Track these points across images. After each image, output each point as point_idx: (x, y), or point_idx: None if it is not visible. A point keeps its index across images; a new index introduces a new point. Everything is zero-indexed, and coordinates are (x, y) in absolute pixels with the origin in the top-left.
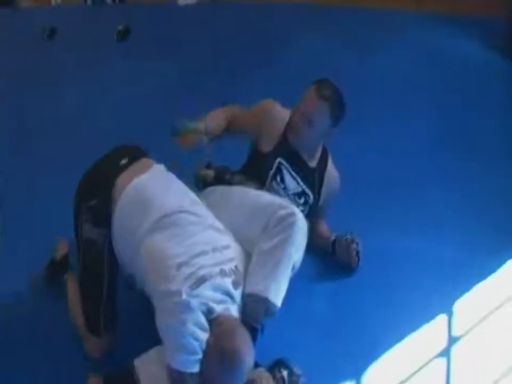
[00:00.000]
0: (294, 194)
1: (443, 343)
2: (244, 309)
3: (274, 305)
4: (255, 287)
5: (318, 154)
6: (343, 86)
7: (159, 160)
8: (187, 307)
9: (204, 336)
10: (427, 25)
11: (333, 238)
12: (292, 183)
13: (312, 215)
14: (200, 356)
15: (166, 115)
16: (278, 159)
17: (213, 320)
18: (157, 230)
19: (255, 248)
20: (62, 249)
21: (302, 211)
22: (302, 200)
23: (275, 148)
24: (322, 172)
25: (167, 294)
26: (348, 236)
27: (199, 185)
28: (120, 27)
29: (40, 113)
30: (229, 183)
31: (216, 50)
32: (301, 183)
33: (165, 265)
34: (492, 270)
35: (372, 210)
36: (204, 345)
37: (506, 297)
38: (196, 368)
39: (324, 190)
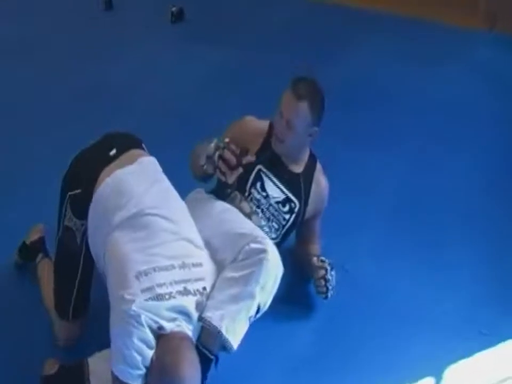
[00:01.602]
0: (278, 202)
1: None
2: (199, 334)
3: (228, 342)
4: (208, 313)
5: (304, 159)
6: (397, 100)
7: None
8: (136, 321)
9: (149, 353)
10: (496, 46)
11: (313, 258)
12: (275, 190)
13: (301, 228)
14: (142, 371)
15: (202, 108)
16: (258, 166)
17: (162, 336)
18: (126, 227)
19: (221, 273)
20: (35, 233)
21: (287, 220)
22: (286, 208)
23: (255, 155)
24: (309, 178)
25: (120, 301)
26: (324, 259)
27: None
28: (173, 9)
29: (85, 84)
30: (226, 196)
31: (269, 43)
32: (285, 190)
33: (125, 270)
34: (492, 343)
35: (379, 241)
36: (148, 362)
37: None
38: (137, 382)
39: (312, 196)
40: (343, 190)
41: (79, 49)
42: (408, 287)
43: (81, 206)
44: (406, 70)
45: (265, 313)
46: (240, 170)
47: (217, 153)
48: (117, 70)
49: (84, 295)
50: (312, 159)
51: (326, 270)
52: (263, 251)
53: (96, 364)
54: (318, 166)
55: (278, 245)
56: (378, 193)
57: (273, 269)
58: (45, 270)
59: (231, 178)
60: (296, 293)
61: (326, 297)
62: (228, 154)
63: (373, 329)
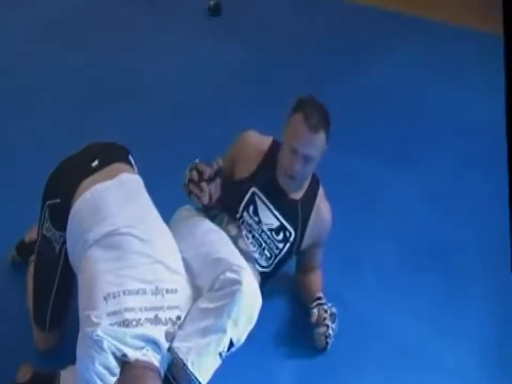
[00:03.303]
0: (271, 229)
1: None
2: (171, 364)
3: (193, 376)
4: (176, 344)
5: (306, 183)
6: (420, 113)
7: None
8: (99, 346)
9: (111, 379)
10: None
11: (313, 304)
12: (268, 216)
13: (300, 257)
14: None
15: (220, 106)
16: (252, 189)
17: (126, 363)
18: (100, 246)
19: (196, 302)
20: (35, 231)
21: (280, 249)
22: (280, 236)
23: (250, 176)
24: (309, 205)
25: (86, 321)
26: (327, 307)
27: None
28: (211, 2)
29: (117, 73)
30: (210, 218)
31: (303, 46)
32: (280, 217)
33: (94, 290)
34: None
35: (384, 273)
36: None
37: None
38: None
39: (311, 226)
40: (349, 209)
41: (113, 37)
42: (412, 327)
43: (60, 217)
44: (433, 80)
45: (254, 346)
46: (216, 193)
47: (188, 177)
48: (147, 60)
49: (61, 306)
50: (315, 183)
51: (328, 326)
52: (238, 282)
53: (66, 377)
54: (321, 191)
55: (271, 274)
56: (389, 218)
57: (247, 303)
58: (31, 273)
59: (205, 199)
60: (293, 325)
61: (325, 349)
62: (194, 175)
63: (371, 370)
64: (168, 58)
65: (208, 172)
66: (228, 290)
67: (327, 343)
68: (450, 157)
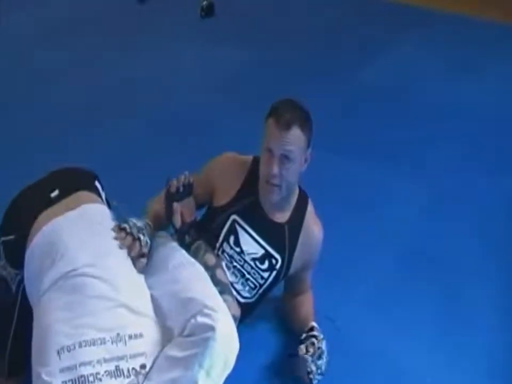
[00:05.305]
0: (254, 259)
1: None
2: None
3: None
4: None
5: (292, 203)
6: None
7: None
8: None
9: None
10: None
11: (303, 336)
12: (251, 245)
13: (288, 282)
14: None
15: (215, 111)
16: (233, 216)
17: None
18: (56, 290)
19: (165, 349)
20: None
21: (265, 278)
22: (265, 265)
23: (230, 202)
24: (297, 227)
25: (38, 380)
26: (315, 341)
27: None
28: (204, 3)
29: (106, 75)
30: (186, 246)
31: (301, 45)
32: (264, 244)
33: (46, 342)
34: None
35: (379, 290)
36: None
37: None
38: None
39: (300, 249)
40: (343, 214)
41: (106, 39)
42: (411, 353)
43: (15, 255)
44: (448, 76)
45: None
46: (189, 213)
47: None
48: (140, 62)
49: (21, 350)
50: (302, 201)
51: (314, 362)
52: (210, 328)
53: None
54: (310, 209)
55: (255, 304)
56: (386, 228)
57: (221, 351)
58: None
59: (176, 222)
60: (282, 351)
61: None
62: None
63: None
64: (158, 64)
65: (174, 184)
66: (199, 337)
67: (310, 379)
68: (454, 158)
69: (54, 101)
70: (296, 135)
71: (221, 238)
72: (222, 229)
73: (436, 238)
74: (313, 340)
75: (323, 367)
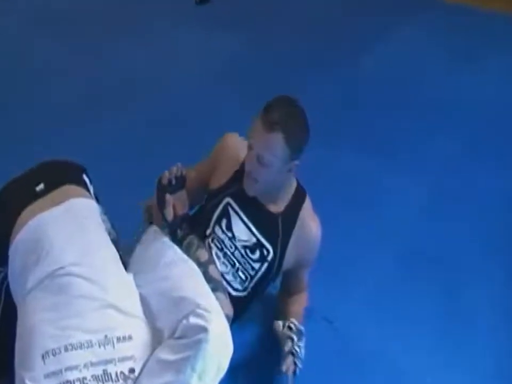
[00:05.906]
0: (245, 247)
1: None
2: None
3: None
4: None
5: (286, 198)
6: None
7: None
8: None
9: None
10: None
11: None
12: (243, 231)
13: (284, 280)
14: None
15: (216, 100)
16: (226, 199)
17: None
18: (41, 290)
19: (155, 351)
20: None
21: (256, 269)
22: (256, 255)
23: (225, 185)
24: (292, 219)
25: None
26: (293, 325)
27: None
28: None
29: (99, 65)
30: (178, 241)
31: (299, 32)
32: (256, 233)
33: (30, 346)
34: None
35: (378, 290)
36: None
37: None
38: None
39: (294, 243)
40: (341, 212)
41: (97, 26)
42: (410, 355)
43: None
44: (450, 66)
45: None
46: (181, 207)
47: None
48: (137, 51)
49: (5, 349)
50: (299, 195)
51: (293, 340)
52: (203, 330)
53: None
54: (306, 204)
55: (248, 299)
56: (385, 225)
57: (215, 353)
58: None
59: (169, 215)
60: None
61: (294, 374)
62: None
63: None
64: (152, 52)
65: (166, 176)
66: (191, 340)
67: (295, 364)
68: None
69: (53, 93)
70: (276, 141)
71: (213, 220)
72: (214, 212)
73: (436, 237)
74: (291, 325)
75: (303, 351)
